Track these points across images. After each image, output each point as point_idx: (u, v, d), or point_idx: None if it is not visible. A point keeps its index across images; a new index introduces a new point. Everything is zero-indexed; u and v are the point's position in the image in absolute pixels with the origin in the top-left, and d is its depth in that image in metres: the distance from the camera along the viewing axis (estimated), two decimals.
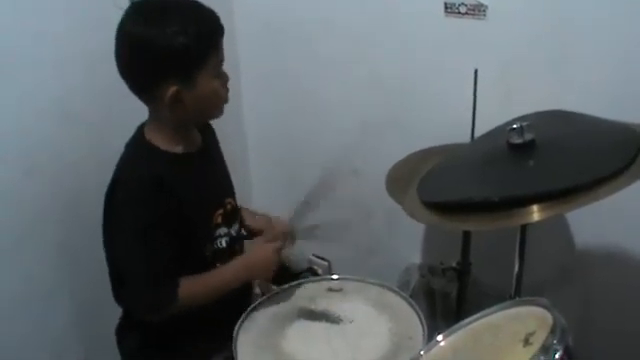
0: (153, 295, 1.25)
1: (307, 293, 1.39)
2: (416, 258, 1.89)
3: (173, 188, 1.24)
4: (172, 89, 1.20)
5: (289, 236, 1.42)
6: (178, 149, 1.30)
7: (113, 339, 1.43)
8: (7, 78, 1.44)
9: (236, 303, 1.35)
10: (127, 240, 1.25)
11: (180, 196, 1.25)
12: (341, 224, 1.42)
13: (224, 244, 1.37)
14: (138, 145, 1.30)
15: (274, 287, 1.40)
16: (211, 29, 1.22)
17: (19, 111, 1.48)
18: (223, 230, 1.37)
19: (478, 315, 1.05)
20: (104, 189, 1.28)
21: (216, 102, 1.29)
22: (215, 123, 1.43)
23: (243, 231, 1.46)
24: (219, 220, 1.36)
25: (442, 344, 1.04)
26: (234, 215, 1.42)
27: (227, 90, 1.30)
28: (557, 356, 0.84)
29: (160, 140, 1.29)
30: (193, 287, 1.28)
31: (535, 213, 1.02)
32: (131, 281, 1.27)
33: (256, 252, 1.40)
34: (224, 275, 1.33)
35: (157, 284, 1.24)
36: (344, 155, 1.92)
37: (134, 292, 1.27)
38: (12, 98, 1.46)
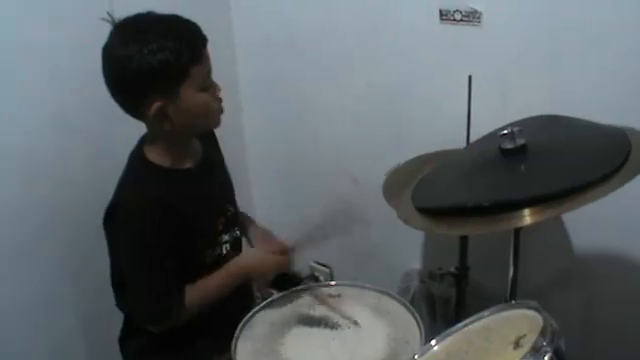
0: (164, 310, 1.28)
1: (306, 299, 1.40)
2: (416, 263, 1.89)
3: (174, 206, 1.26)
4: (156, 104, 1.21)
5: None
6: (177, 165, 1.32)
7: (117, 345, 1.44)
8: (3, 91, 1.46)
9: (237, 308, 1.36)
10: (132, 261, 1.28)
11: (182, 213, 1.27)
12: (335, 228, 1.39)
13: (225, 250, 1.39)
14: (138, 164, 1.31)
15: (274, 292, 1.41)
16: (191, 42, 1.21)
17: (16, 124, 1.49)
18: (224, 237, 1.39)
19: (471, 319, 1.05)
20: (104, 198, 1.30)
21: (207, 113, 1.29)
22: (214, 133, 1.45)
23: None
24: (220, 228, 1.38)
25: (436, 348, 1.04)
26: (234, 221, 1.44)
27: (220, 100, 1.30)
28: (546, 358, 0.84)
29: (158, 157, 1.30)
30: (193, 295, 1.30)
31: (526, 217, 1.03)
32: (141, 297, 1.29)
33: (256, 256, 1.41)
34: (221, 279, 1.34)
35: (167, 299, 1.27)
36: (343, 163, 1.94)
37: (144, 309, 1.30)
38: (9, 110, 1.47)
